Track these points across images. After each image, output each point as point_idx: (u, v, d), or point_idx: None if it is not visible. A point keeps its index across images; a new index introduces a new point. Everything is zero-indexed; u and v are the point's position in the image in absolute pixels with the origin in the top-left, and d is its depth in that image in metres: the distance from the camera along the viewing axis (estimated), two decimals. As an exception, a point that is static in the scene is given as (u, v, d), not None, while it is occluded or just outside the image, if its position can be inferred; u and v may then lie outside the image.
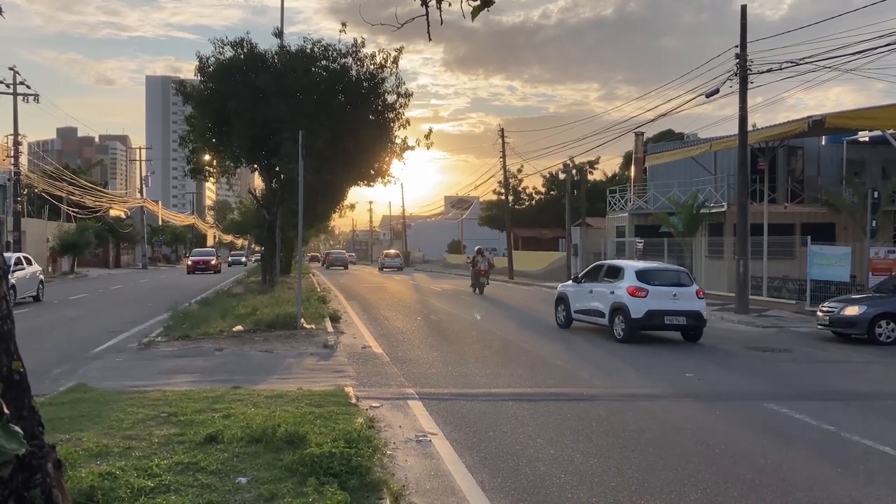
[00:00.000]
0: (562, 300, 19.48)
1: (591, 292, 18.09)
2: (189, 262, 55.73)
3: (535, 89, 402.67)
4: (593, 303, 17.84)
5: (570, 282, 20.34)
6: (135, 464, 5.93)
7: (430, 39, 3.77)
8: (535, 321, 20.88)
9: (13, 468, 2.87)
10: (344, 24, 23.37)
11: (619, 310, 16.61)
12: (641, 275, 16.90)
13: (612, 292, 16.97)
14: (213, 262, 55.09)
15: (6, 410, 2.79)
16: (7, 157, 44.81)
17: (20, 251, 43.17)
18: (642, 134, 43.46)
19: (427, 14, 3.66)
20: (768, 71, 22.14)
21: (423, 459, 7.06)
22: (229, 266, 75.02)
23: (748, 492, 6.32)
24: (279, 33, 25.34)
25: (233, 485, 5.60)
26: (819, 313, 17.78)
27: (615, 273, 17.60)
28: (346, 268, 67.87)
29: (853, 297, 18.35)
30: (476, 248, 35.16)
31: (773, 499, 6.20)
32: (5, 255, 3.05)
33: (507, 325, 19.73)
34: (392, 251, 71.54)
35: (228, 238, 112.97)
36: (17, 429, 2.78)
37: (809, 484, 6.57)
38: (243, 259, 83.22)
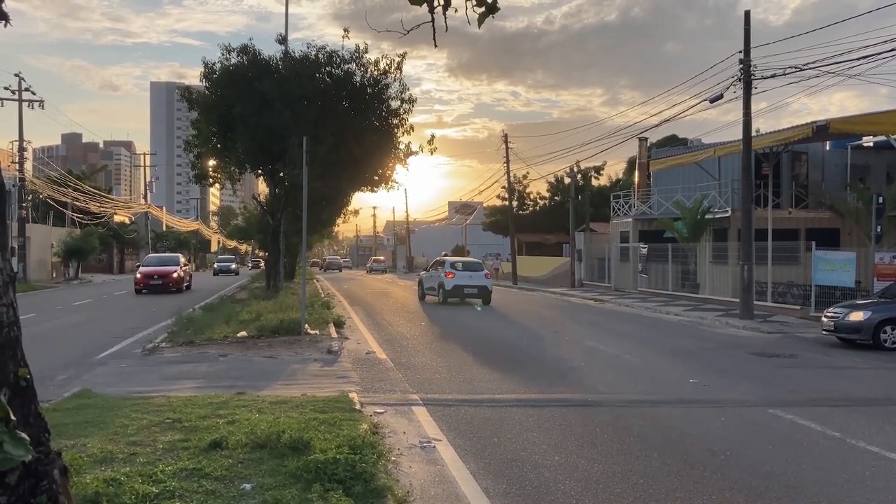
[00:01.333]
0: (420, 283, 31.88)
1: (431, 276, 30.34)
2: (137, 276, 35.92)
3: (539, 94, 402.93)
4: (432, 282, 29.72)
5: (424, 271, 33.95)
6: (139, 470, 5.94)
7: (435, 46, 3.78)
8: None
9: (20, 475, 2.88)
10: (346, 30, 23.46)
11: (441, 285, 28.46)
12: (453, 265, 29.09)
13: (439, 275, 28.87)
14: (174, 274, 35.48)
15: (13, 417, 2.79)
16: (12, 162, 44.99)
17: (25, 257, 43.47)
18: (646, 139, 43.42)
19: (433, 20, 3.67)
20: (772, 76, 22.12)
21: (428, 465, 7.06)
22: (215, 275, 63.73)
23: (753, 498, 6.30)
24: (283, 40, 25.43)
25: (237, 491, 5.60)
26: (824, 319, 17.73)
27: (442, 264, 29.82)
28: (341, 270, 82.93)
29: (858, 302, 18.28)
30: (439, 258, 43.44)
31: (778, 505, 6.18)
32: None
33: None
34: (380, 257, 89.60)
35: (233, 243, 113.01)
36: (24, 435, 2.78)
37: (815, 491, 6.55)
38: (233, 266, 69.00)
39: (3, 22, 3.38)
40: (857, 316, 16.72)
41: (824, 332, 17.69)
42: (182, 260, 39.81)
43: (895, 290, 18.11)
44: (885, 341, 16.33)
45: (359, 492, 5.61)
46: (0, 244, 3.16)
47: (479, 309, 22.91)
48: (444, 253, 48.41)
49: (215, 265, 70.74)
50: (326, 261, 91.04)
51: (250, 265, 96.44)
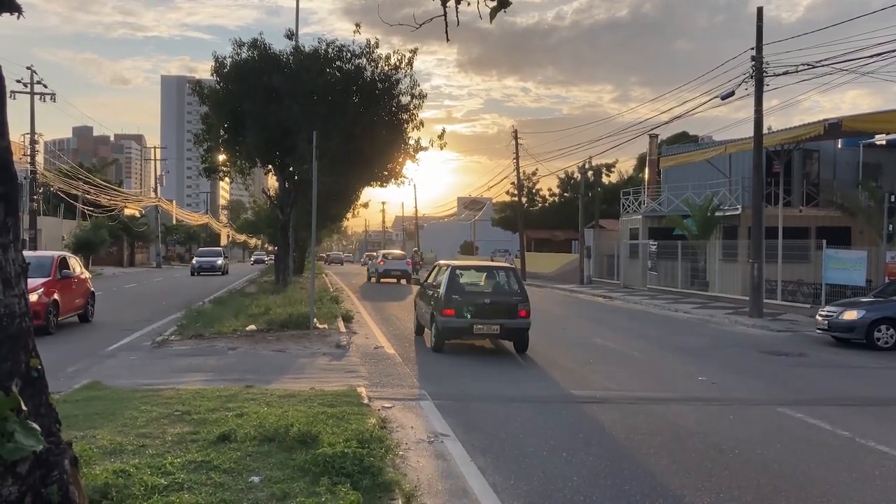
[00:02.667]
0: (367, 269, 47.90)
1: (372, 264, 44.69)
2: None
3: (549, 91, 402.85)
4: (373, 268, 43.74)
5: (370, 261, 49.03)
6: (148, 462, 5.96)
7: (447, 40, 3.77)
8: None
9: (31, 464, 2.90)
10: (358, 25, 23.38)
11: (376, 269, 42.20)
12: (384, 256, 43.76)
13: (376, 263, 43.09)
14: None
15: (24, 407, 2.81)
16: (24, 155, 45.21)
17: (36, 249, 43.72)
18: (657, 136, 43.28)
19: (445, 14, 3.66)
20: (784, 73, 21.98)
21: (435, 460, 7.06)
22: (193, 274, 49.47)
23: (761, 497, 6.28)
24: (292, 35, 25.41)
25: (245, 483, 5.62)
26: (818, 318, 17.61)
27: (377, 256, 45.16)
28: (342, 264, 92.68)
29: (852, 300, 18.19)
30: (381, 251, 53.32)
31: (787, 504, 6.16)
32: None
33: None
34: (372, 252, 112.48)
35: (242, 237, 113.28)
36: (35, 425, 2.80)
37: (824, 490, 6.52)
38: (220, 262, 52.05)
39: (17, 14, 3.40)
40: (850, 315, 16.59)
41: (818, 331, 17.56)
42: (57, 262, 17.75)
43: (891, 289, 17.99)
44: (878, 341, 16.19)
45: (366, 486, 5.62)
46: (12, 236, 3.17)
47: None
48: (414, 250, 61.29)
49: (194, 261, 53.43)
50: (329, 256, 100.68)
51: (252, 260, 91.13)
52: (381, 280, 41.80)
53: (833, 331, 16.94)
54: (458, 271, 15.08)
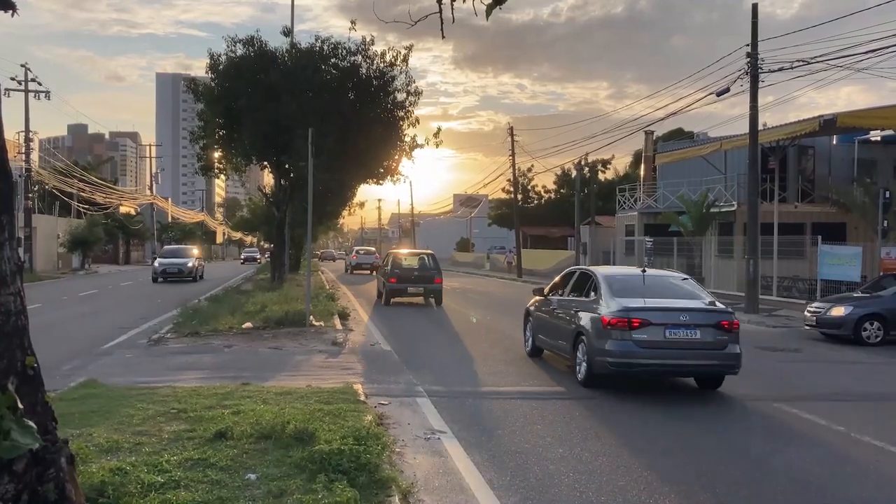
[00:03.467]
0: (346, 263, 57.77)
1: (348, 258, 57.83)
2: None
3: (545, 87, 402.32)
4: (348, 262, 54.52)
5: (348, 256, 62.92)
6: (145, 459, 5.96)
7: (443, 37, 3.77)
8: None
9: (27, 462, 2.90)
10: (353, 22, 23.36)
11: (350, 263, 53.81)
12: (357, 251, 56.99)
13: (350, 257, 55.87)
14: None
15: (20, 405, 2.81)
16: (19, 153, 45.06)
17: (31, 247, 43.60)
18: (652, 132, 43.32)
19: (440, 11, 3.66)
20: (779, 70, 22.04)
21: (432, 457, 7.07)
22: (156, 280, 38.08)
23: (758, 493, 6.30)
24: (287, 32, 25.34)
25: (242, 481, 5.62)
26: (806, 313, 17.69)
27: (352, 251, 61.50)
28: (334, 261, 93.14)
29: (841, 296, 18.27)
30: (354, 248, 64.82)
31: (783, 500, 6.17)
32: None
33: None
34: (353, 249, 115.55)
35: (238, 235, 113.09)
36: (32, 423, 2.80)
37: (820, 485, 6.54)
38: (191, 264, 40.32)
39: (10, 11, 3.39)
40: (838, 311, 16.67)
41: (807, 327, 17.62)
42: None
43: (881, 285, 18.05)
44: (866, 337, 16.26)
45: (363, 482, 5.62)
46: (7, 234, 3.17)
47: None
48: (394, 246, 67.87)
49: (156, 263, 42.01)
50: (323, 253, 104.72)
51: (242, 258, 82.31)
52: (354, 272, 49.77)
53: (821, 327, 17.03)
54: (399, 256, 25.74)
